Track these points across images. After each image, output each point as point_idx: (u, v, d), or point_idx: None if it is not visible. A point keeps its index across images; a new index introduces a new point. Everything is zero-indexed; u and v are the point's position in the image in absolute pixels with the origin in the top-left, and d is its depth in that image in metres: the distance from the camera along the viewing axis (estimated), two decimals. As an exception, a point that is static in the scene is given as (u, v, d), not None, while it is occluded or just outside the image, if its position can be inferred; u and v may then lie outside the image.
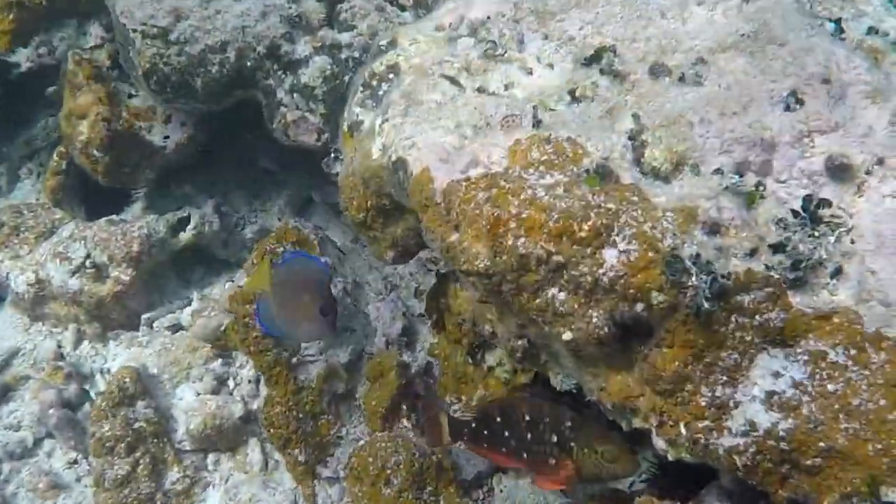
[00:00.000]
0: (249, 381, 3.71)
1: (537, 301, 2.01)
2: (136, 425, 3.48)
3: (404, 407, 3.26)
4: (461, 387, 2.77)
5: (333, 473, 3.30)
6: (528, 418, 2.46)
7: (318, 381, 3.31)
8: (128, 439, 3.43)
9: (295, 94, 3.71)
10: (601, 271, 1.94)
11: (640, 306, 1.94)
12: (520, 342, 2.23)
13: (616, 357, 2.04)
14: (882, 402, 1.84)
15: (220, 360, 3.80)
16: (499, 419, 2.49)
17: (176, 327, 3.97)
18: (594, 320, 1.96)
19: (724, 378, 1.96)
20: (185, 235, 4.06)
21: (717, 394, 1.96)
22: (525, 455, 2.47)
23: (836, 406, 1.88)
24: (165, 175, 4.21)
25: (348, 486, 3.14)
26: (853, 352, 1.89)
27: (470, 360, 2.71)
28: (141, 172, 4.08)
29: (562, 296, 1.98)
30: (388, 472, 3.03)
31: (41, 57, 4.44)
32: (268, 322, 2.57)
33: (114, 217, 4.09)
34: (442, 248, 2.14)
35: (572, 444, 2.37)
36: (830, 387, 1.89)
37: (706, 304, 1.88)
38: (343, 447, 3.37)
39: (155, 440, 3.50)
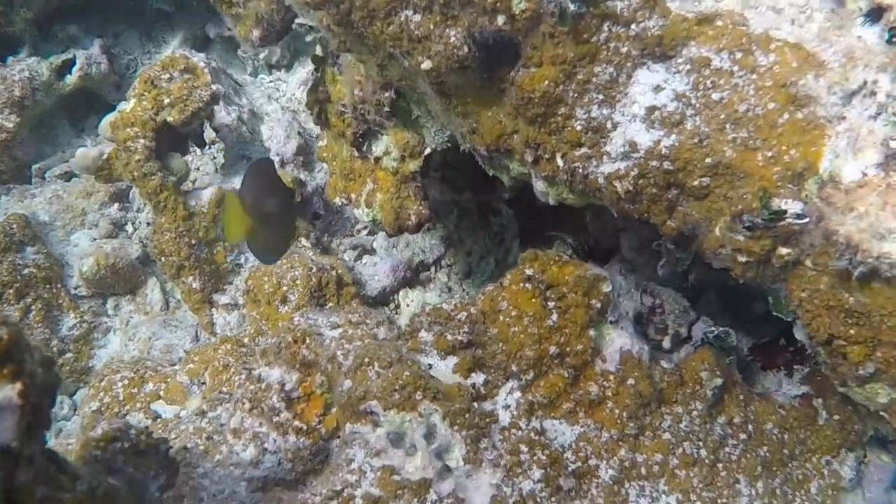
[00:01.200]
0: (148, 224, 3.48)
1: (391, 28, 1.78)
2: (26, 271, 3.24)
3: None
4: (349, 185, 2.55)
5: (231, 300, 3.10)
6: None
7: (210, 206, 3.09)
8: (16, 285, 3.20)
9: None
10: (456, -19, 1.70)
11: (501, 19, 1.72)
12: (386, 94, 2.01)
13: (485, 89, 1.83)
14: (771, 105, 1.65)
15: (116, 205, 3.55)
16: None
17: (69, 175, 3.71)
18: (452, 40, 1.74)
19: (601, 97, 1.75)
20: (72, 78, 3.77)
21: (594, 115, 1.76)
22: None
23: (723, 116, 1.69)
24: (47, 16, 3.88)
25: (247, 310, 2.95)
26: (739, 55, 1.69)
27: (356, 154, 2.48)
28: (16, 12, 3.76)
29: (416, 17, 1.75)
30: (285, 289, 2.84)
31: None
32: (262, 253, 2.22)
33: (-8, 62, 3.77)
34: (294, -7, 1.89)
35: None
36: (715, 95, 1.69)
37: (572, 6, 1.66)
38: (241, 275, 3.16)
39: (47, 286, 3.27)
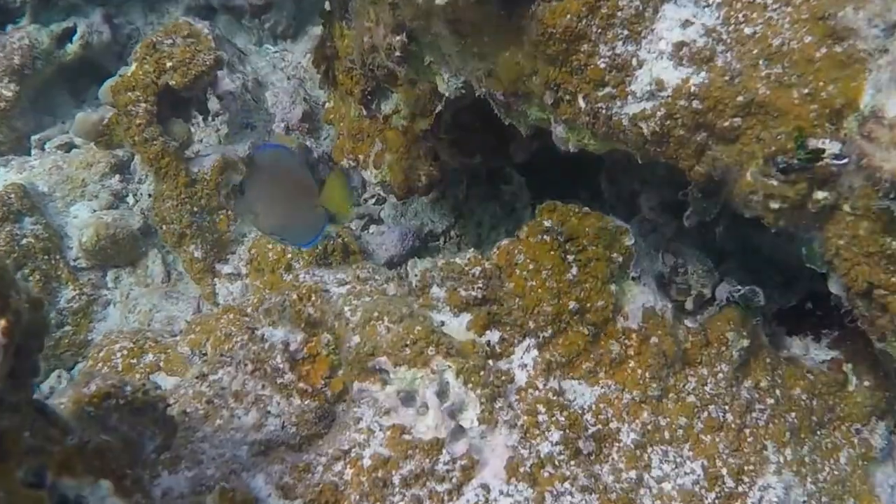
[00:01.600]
0: (150, 196, 3.38)
1: (404, -40, 1.67)
2: (24, 242, 3.15)
3: (307, 192, 2.94)
4: (357, 145, 2.45)
5: (234, 270, 3.00)
6: None
7: (213, 173, 2.98)
8: (14, 255, 3.10)
9: None
10: None
11: (520, -52, 1.61)
12: (398, 38, 1.90)
13: (503, 28, 1.72)
14: (808, 39, 1.54)
15: (117, 176, 3.46)
16: None
17: (69, 146, 3.62)
18: (469, -30, 1.62)
19: (625, 32, 1.65)
20: (72, 46, 3.68)
21: (618, 52, 1.65)
22: None
23: (755, 51, 1.58)
24: (48, -15, 3.79)
25: (251, 280, 2.85)
26: (773, -14, 1.58)
27: (365, 112, 2.38)
28: (17, -21, 3.66)
29: (431, -53, 1.64)
30: (289, 257, 2.74)
31: None
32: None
33: (-8, 30, 3.68)
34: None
35: None
36: (748, 30, 1.59)
37: (596, -67, 1.55)
38: (245, 244, 3.06)
39: (46, 257, 3.18)
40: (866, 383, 2.05)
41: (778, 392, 1.99)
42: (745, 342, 1.94)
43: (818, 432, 2.01)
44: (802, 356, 2.12)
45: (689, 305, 2.08)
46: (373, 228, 3.02)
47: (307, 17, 3.72)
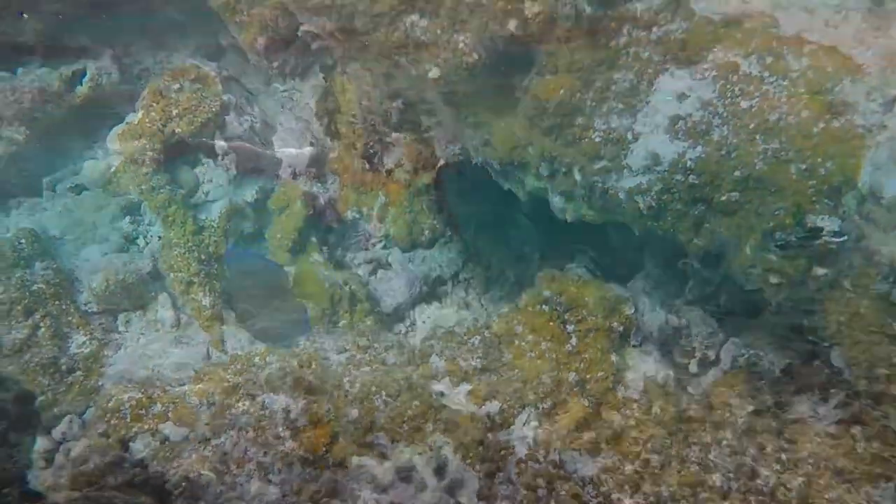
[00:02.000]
0: (160, 238, 3.38)
1: (396, 34, 1.67)
2: (34, 287, 3.15)
3: (314, 239, 2.93)
4: (361, 198, 2.44)
5: (242, 317, 3.00)
6: None
7: (221, 220, 2.98)
8: (25, 301, 3.11)
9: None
10: (464, -15, 1.59)
11: (512, 23, 1.60)
12: (394, 104, 1.89)
13: (496, 99, 1.71)
14: (805, 113, 1.52)
15: (128, 218, 3.46)
16: None
17: (80, 188, 3.62)
18: (461, 46, 1.62)
19: (620, 106, 1.63)
20: (82, 89, 3.68)
21: (613, 125, 1.64)
22: None
23: (752, 125, 1.56)
24: (57, 27, 3.79)
25: (259, 328, 2.84)
26: (769, 60, 1.56)
27: (368, 166, 2.37)
28: (26, 23, 3.67)
29: (422, 23, 1.65)
30: (297, 306, 2.72)
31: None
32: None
33: (2, 73, 3.69)
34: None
35: None
36: (744, 103, 1.57)
37: (588, 8, 1.54)
38: (253, 291, 3.05)
39: (56, 302, 3.18)
40: (875, 445, 2.01)
41: (784, 456, 1.95)
42: (750, 408, 1.91)
43: (826, 496, 1.96)
44: (810, 416, 2.08)
45: (693, 368, 2.05)
46: (380, 274, 3.00)
47: (317, 57, 3.70)
